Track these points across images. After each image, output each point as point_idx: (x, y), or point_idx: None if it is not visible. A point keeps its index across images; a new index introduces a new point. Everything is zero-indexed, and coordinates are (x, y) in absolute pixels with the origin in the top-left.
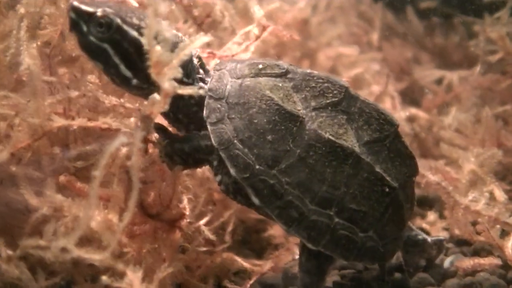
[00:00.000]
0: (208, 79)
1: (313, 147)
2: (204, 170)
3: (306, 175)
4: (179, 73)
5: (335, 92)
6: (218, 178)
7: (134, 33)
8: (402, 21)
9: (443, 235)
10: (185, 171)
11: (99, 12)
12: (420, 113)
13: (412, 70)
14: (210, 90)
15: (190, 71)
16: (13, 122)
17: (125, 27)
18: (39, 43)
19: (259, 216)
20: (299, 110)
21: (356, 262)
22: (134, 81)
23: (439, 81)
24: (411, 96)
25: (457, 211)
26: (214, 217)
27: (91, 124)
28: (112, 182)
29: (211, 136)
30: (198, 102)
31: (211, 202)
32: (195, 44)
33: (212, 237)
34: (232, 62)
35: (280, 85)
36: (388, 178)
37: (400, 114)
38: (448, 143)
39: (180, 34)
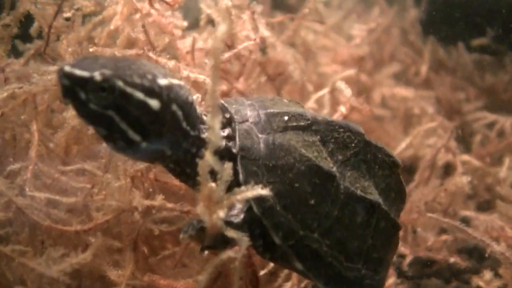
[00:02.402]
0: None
1: (347, 206)
2: None
3: (342, 234)
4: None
5: (356, 141)
6: (259, 242)
7: (139, 95)
8: (452, 55)
9: None
10: None
11: (97, 76)
12: (474, 161)
13: (463, 109)
14: (242, 149)
15: (193, 121)
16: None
17: (129, 89)
18: None
19: None
20: (332, 168)
21: None
22: (144, 145)
23: (490, 124)
24: (460, 135)
25: None
26: None
27: (170, 205)
28: None
29: (252, 203)
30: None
31: None
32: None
33: None
34: (249, 108)
35: (310, 140)
36: (398, 222)
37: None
38: (503, 199)
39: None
